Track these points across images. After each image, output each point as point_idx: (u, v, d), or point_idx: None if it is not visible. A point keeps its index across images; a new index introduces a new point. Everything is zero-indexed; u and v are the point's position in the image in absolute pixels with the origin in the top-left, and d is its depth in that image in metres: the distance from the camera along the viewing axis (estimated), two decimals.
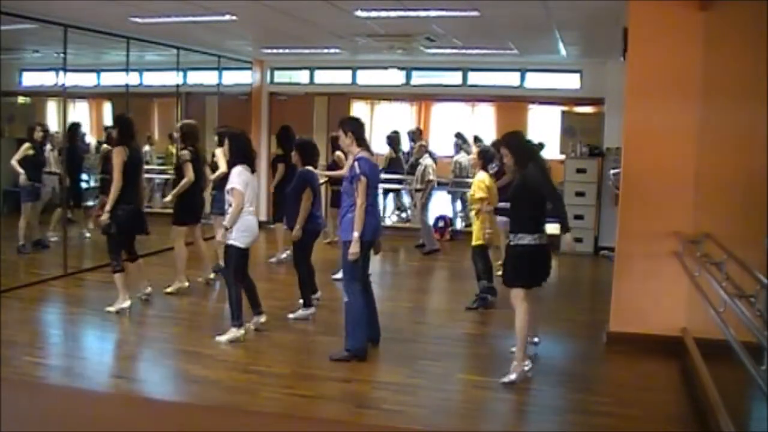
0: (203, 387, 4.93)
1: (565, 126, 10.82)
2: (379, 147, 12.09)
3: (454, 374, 5.31)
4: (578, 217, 9.94)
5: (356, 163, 5.34)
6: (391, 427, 4.27)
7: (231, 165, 5.95)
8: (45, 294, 7.30)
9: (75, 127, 9.70)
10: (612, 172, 9.39)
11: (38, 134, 8.80)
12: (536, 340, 5.75)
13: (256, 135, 11.45)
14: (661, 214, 5.68)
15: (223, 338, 5.78)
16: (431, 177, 9.63)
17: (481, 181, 6.95)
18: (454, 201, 11.51)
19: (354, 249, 5.27)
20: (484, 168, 7.07)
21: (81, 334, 6.38)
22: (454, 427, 4.53)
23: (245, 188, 5.74)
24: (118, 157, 6.33)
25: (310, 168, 6.69)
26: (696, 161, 5.56)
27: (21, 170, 8.59)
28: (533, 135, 14.76)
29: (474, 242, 7.06)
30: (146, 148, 11.17)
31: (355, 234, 5.26)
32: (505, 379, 4.99)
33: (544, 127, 13.00)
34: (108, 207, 6.34)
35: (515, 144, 5.30)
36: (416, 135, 11.56)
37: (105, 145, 10.51)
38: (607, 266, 8.07)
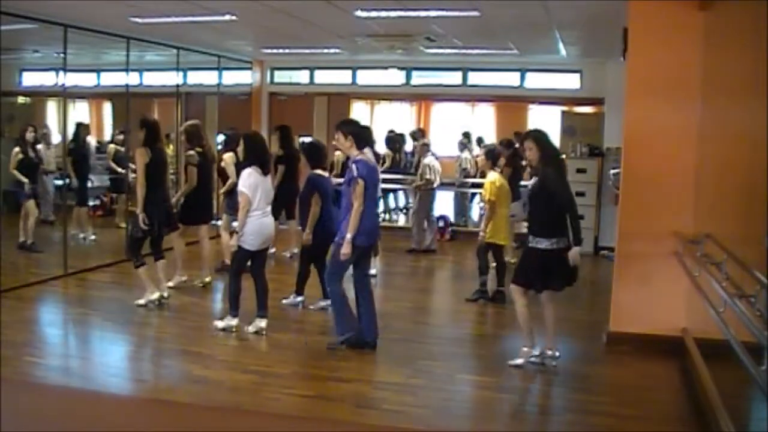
0: (203, 387, 4.93)
1: (565, 126, 10.82)
2: (379, 147, 12.15)
3: (455, 374, 5.30)
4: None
5: (354, 166, 5.37)
6: (392, 427, 4.26)
7: (244, 166, 5.89)
8: (45, 294, 7.30)
9: (80, 127, 9.74)
10: (612, 172, 9.39)
11: (29, 135, 8.86)
12: (549, 352, 5.35)
13: None
14: (661, 214, 5.68)
15: (220, 324, 5.95)
16: (428, 176, 9.60)
17: (491, 183, 6.90)
18: (456, 199, 11.56)
19: (345, 250, 5.32)
20: (493, 168, 7.05)
21: (81, 334, 6.38)
22: (454, 427, 4.53)
23: (254, 190, 5.71)
24: (141, 158, 6.43)
25: (319, 171, 6.59)
26: (696, 161, 5.56)
27: (24, 178, 8.67)
28: None
29: (488, 239, 7.04)
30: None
31: (348, 236, 5.31)
32: (511, 362, 5.28)
33: (544, 127, 13.02)
34: (139, 209, 6.38)
35: (544, 140, 5.28)
36: (418, 135, 11.59)
37: (111, 145, 10.64)
38: (607, 266, 8.06)
